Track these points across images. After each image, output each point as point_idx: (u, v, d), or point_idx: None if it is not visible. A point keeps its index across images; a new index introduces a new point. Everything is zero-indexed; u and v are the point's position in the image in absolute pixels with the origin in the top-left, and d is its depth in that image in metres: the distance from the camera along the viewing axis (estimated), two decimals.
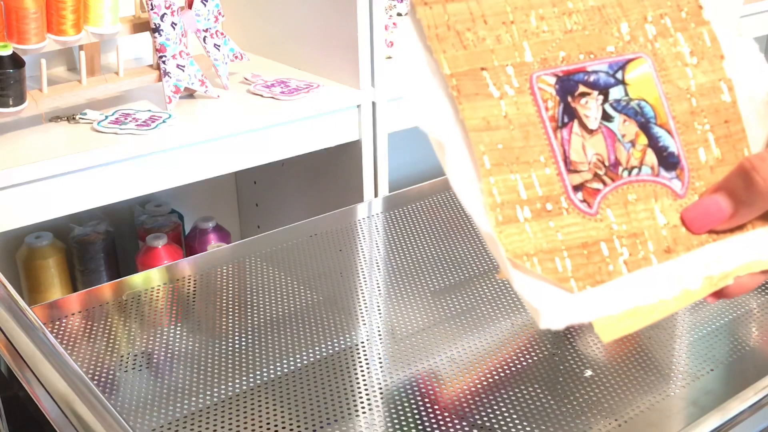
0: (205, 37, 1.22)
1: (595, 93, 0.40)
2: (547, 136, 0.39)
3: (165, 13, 1.14)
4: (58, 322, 0.75)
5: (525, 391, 0.65)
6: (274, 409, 0.64)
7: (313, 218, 0.96)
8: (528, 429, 0.61)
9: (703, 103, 0.41)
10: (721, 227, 0.39)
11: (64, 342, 0.72)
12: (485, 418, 0.62)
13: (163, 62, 1.14)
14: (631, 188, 0.40)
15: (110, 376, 0.68)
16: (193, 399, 0.65)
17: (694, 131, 0.41)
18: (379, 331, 0.74)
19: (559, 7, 0.40)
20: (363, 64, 1.21)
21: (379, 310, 0.77)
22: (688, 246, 0.40)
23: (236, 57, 1.26)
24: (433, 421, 0.62)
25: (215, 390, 0.66)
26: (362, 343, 0.73)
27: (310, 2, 1.26)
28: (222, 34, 1.24)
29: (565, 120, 0.39)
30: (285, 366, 0.69)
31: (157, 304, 0.79)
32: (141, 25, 1.15)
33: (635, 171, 0.40)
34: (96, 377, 0.68)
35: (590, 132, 0.39)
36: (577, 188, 0.39)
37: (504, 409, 0.63)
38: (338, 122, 1.22)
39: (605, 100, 0.40)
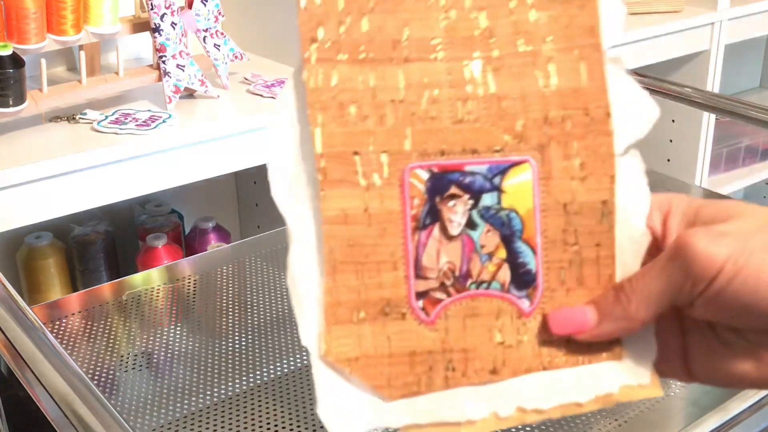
0: (205, 37, 1.22)
1: (466, 197, 0.37)
2: (404, 237, 0.36)
3: (165, 13, 1.14)
4: (58, 322, 0.75)
5: None
6: (274, 409, 0.64)
7: None
8: (528, 429, 0.61)
9: (578, 222, 0.38)
10: (581, 337, 0.38)
11: (64, 342, 0.72)
12: None
13: (163, 62, 1.14)
14: (475, 302, 0.37)
15: (110, 376, 0.68)
16: (193, 399, 0.65)
17: (561, 250, 0.38)
18: None
19: (456, 90, 0.37)
20: None
21: None
22: (516, 370, 0.38)
23: (236, 57, 1.26)
24: None
25: (215, 390, 0.66)
26: None
27: None
28: (222, 34, 1.24)
29: (427, 222, 0.37)
30: (285, 366, 0.69)
31: (157, 304, 0.79)
32: (141, 25, 1.15)
33: (484, 285, 0.37)
34: (96, 377, 0.68)
35: (449, 238, 0.37)
36: (420, 295, 0.37)
37: None
38: None
39: (474, 205, 0.37)
